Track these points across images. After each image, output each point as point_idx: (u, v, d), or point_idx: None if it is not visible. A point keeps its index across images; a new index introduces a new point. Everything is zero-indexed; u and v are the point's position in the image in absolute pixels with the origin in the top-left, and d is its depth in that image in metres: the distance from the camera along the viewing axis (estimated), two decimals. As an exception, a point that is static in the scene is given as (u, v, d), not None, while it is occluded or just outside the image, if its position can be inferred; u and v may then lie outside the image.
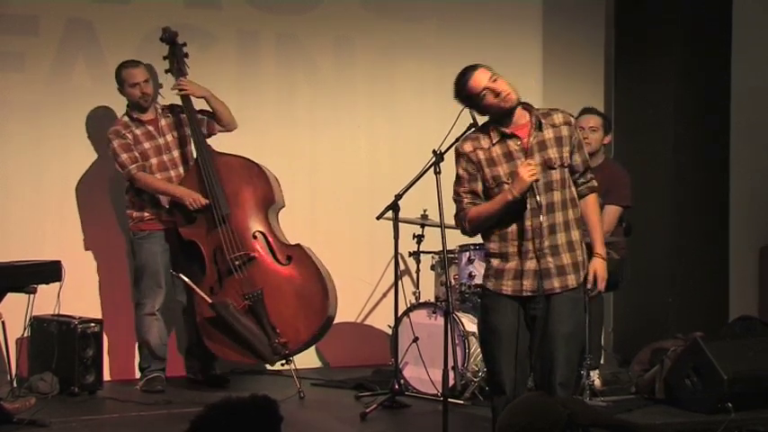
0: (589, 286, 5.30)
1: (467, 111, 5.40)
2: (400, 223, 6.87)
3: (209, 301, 7.03)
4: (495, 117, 5.26)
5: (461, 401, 6.79)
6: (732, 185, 8.43)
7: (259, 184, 7.29)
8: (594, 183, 5.42)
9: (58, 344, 7.00)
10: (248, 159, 7.31)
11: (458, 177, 5.32)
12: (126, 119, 7.29)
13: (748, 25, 8.50)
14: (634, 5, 8.61)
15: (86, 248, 7.66)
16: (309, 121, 8.15)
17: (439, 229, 5.67)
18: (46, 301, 6.74)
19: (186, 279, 7.06)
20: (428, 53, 8.31)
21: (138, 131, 7.25)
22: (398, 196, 6.71)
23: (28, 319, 6.75)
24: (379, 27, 8.30)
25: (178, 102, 7.31)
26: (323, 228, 7.97)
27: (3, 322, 6.62)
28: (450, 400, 5.66)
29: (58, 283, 6.70)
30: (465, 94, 5.24)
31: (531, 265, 5.19)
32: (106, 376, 7.33)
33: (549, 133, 5.24)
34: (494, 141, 5.23)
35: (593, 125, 7.16)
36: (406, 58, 8.32)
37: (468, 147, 5.28)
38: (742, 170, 8.49)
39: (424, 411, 6.75)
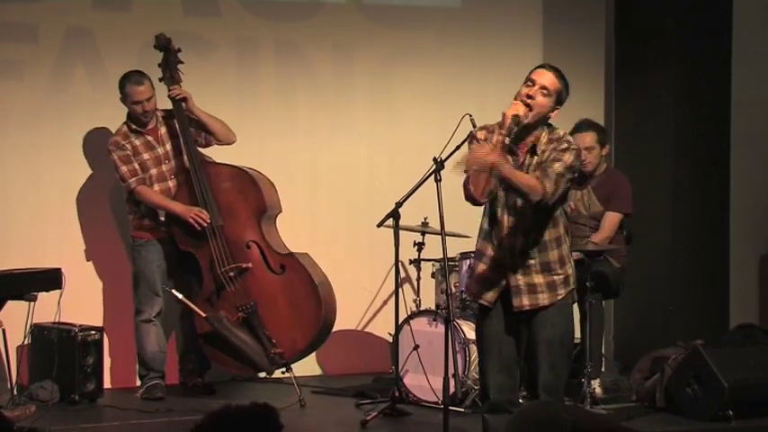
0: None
1: (467, 118, 5.37)
2: (401, 231, 6.86)
3: (203, 315, 7.04)
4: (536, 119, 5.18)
5: (462, 409, 6.77)
6: (732, 195, 8.42)
7: (250, 194, 7.25)
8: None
9: (59, 351, 6.98)
10: (240, 168, 7.29)
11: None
12: (125, 129, 7.25)
13: (748, 37, 8.49)
14: (634, 17, 8.59)
15: (87, 256, 7.64)
16: (309, 128, 8.14)
17: (439, 236, 5.67)
18: (46, 308, 6.75)
19: (179, 295, 7.06)
20: (428, 61, 8.29)
21: (137, 142, 7.22)
22: (399, 204, 6.70)
23: (28, 326, 6.78)
24: (378, 34, 8.29)
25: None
26: (323, 235, 7.96)
27: (3, 330, 6.63)
28: (450, 407, 5.67)
29: (58, 291, 6.72)
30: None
31: (496, 276, 5.24)
32: (107, 384, 7.32)
33: (539, 158, 5.18)
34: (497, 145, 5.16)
35: (588, 144, 7.13)
36: (406, 66, 8.30)
37: (481, 135, 5.21)
38: (742, 180, 8.48)
39: (425, 419, 6.73)
